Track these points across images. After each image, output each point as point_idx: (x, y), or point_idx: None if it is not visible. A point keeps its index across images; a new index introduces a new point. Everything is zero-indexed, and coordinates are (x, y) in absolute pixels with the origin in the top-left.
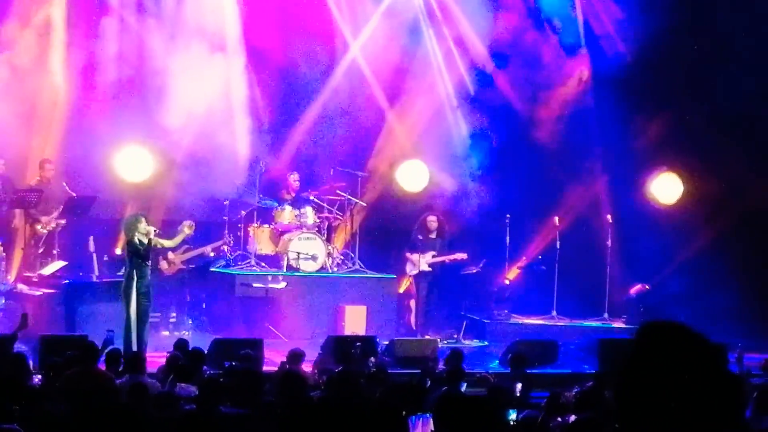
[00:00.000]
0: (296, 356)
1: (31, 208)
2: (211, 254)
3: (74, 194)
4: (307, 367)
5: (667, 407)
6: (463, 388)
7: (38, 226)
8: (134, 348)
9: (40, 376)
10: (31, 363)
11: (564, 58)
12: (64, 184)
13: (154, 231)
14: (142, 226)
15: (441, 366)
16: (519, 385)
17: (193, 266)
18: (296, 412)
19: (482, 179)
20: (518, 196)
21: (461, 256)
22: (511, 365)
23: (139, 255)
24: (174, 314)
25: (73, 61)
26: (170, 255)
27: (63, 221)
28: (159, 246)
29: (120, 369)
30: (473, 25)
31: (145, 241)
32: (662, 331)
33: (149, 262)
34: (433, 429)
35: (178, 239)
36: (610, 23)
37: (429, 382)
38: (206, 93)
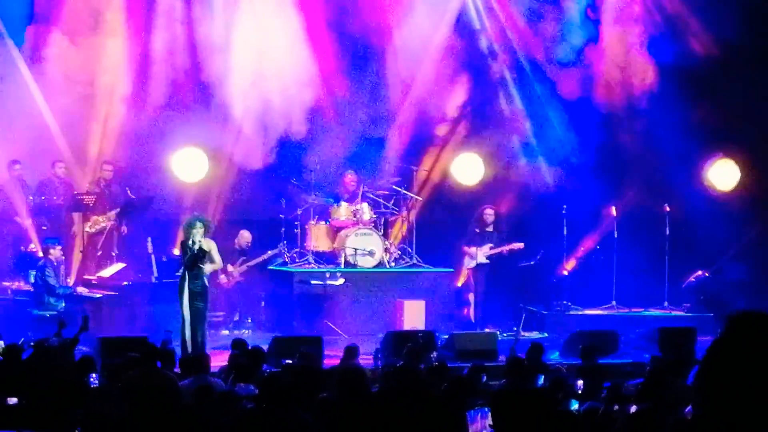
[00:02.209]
0: (352, 351)
1: (89, 212)
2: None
3: (134, 197)
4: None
5: (752, 396)
6: (541, 381)
7: (87, 225)
8: (189, 348)
9: (95, 375)
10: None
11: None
12: (128, 189)
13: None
14: (197, 229)
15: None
16: (580, 382)
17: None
18: (357, 407)
19: (541, 170)
20: (575, 186)
21: (518, 245)
22: (582, 356)
23: (185, 255)
24: (237, 313)
25: (130, 61)
26: (229, 267)
27: (110, 223)
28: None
29: (175, 369)
30: (528, 19)
31: (196, 246)
32: (751, 321)
33: (204, 266)
34: (491, 423)
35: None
36: (672, 13)
37: (485, 377)
38: (263, 90)
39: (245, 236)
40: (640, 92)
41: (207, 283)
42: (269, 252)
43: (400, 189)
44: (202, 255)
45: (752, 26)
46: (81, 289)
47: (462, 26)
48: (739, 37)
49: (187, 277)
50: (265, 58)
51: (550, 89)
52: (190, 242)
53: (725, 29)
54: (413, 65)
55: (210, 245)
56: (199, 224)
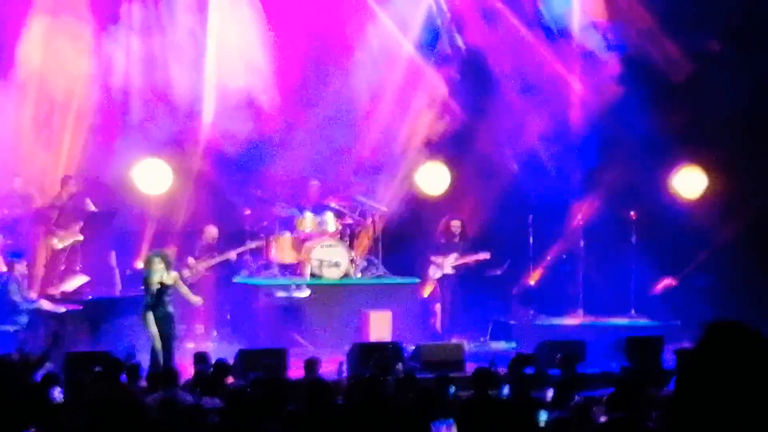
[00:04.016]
0: (312, 364)
1: (50, 225)
2: (233, 258)
3: (96, 210)
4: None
5: (730, 408)
6: (506, 391)
7: (54, 240)
8: (160, 362)
9: (59, 389)
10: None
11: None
12: (88, 200)
13: (167, 278)
14: (156, 266)
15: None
16: (550, 392)
17: (216, 276)
18: (325, 419)
19: (505, 178)
20: (541, 194)
21: (484, 255)
22: (561, 366)
23: (147, 294)
24: (200, 326)
25: (91, 72)
26: (190, 261)
27: (80, 237)
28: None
29: (141, 384)
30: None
31: (157, 283)
32: (728, 331)
33: (167, 298)
34: None
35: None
36: (639, 20)
37: (453, 389)
38: (226, 101)
39: (211, 232)
40: (607, 99)
41: (170, 310)
42: (240, 248)
43: (365, 200)
44: (165, 291)
45: (720, 35)
46: (44, 303)
47: (429, 33)
48: (706, 45)
49: (149, 304)
50: (229, 68)
51: (517, 96)
52: (152, 280)
53: (693, 38)
54: (380, 74)
55: (173, 278)
56: (157, 260)
